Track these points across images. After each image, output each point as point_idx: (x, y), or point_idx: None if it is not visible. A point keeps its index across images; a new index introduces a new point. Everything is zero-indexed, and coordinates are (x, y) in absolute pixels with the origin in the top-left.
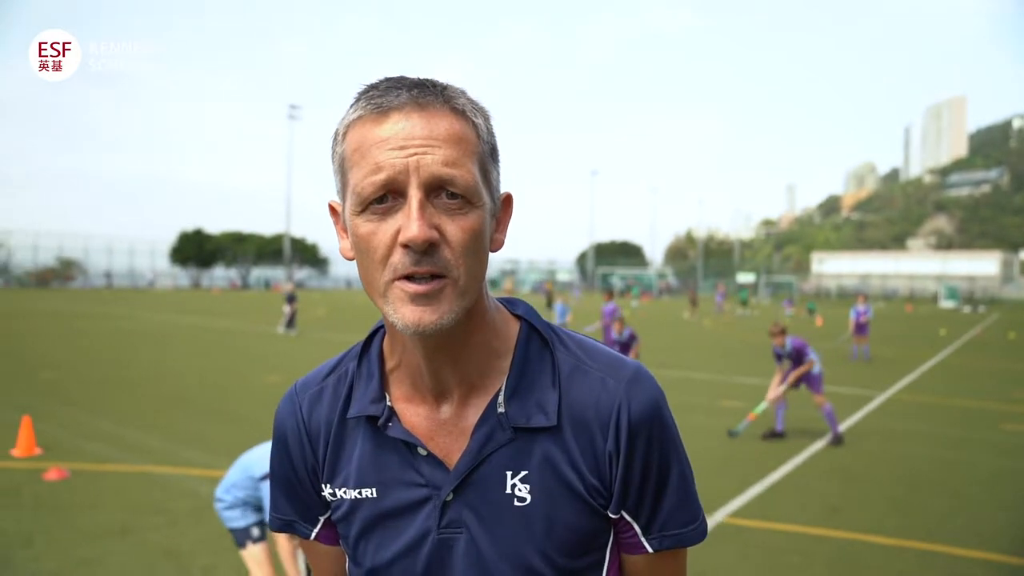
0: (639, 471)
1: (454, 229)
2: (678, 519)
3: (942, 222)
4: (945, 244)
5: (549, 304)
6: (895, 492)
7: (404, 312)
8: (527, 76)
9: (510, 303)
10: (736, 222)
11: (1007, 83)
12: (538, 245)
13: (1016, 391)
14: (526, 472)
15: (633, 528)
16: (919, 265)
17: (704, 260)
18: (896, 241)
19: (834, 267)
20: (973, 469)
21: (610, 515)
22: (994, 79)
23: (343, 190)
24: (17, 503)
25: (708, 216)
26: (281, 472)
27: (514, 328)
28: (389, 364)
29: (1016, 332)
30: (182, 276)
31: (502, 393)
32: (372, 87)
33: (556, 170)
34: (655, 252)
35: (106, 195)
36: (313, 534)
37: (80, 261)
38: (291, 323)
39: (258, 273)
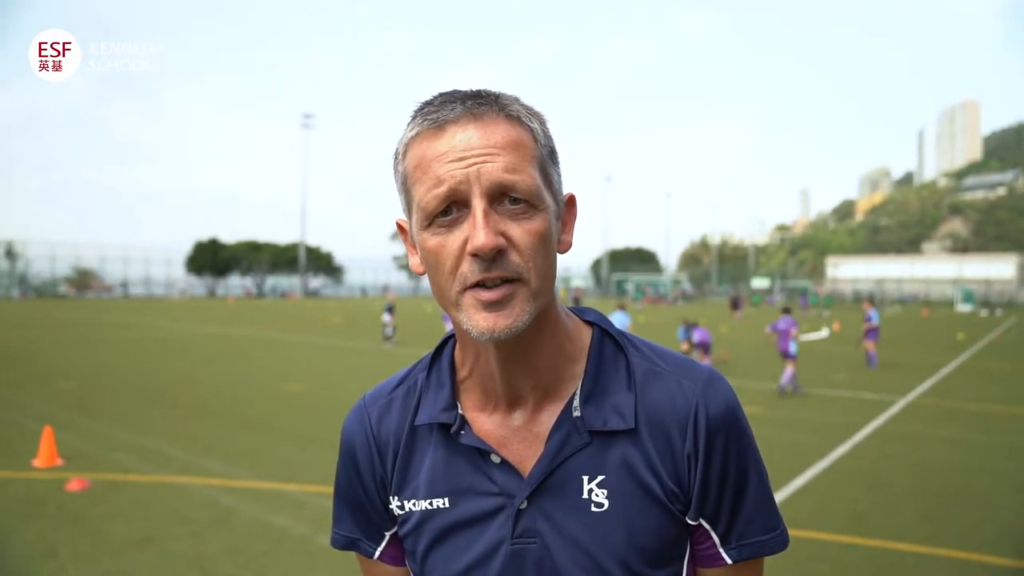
0: (718, 474)
1: (520, 232)
2: (758, 526)
3: (957, 225)
4: (961, 247)
5: None
6: (922, 498)
7: (477, 319)
8: (541, 83)
9: (580, 311)
10: (750, 227)
11: (1021, 85)
12: None
13: None
14: (603, 477)
15: (711, 538)
16: (935, 269)
17: (719, 265)
18: (911, 245)
19: (849, 271)
20: (1000, 475)
21: (688, 521)
22: (1008, 82)
23: (408, 207)
24: (40, 514)
25: (722, 222)
26: (347, 486)
27: (586, 333)
28: (460, 374)
29: None
30: (197, 285)
31: (577, 397)
32: (427, 103)
33: (570, 175)
34: (670, 258)
35: (121, 205)
36: (377, 553)
37: (96, 271)
38: (392, 334)
39: (273, 281)
